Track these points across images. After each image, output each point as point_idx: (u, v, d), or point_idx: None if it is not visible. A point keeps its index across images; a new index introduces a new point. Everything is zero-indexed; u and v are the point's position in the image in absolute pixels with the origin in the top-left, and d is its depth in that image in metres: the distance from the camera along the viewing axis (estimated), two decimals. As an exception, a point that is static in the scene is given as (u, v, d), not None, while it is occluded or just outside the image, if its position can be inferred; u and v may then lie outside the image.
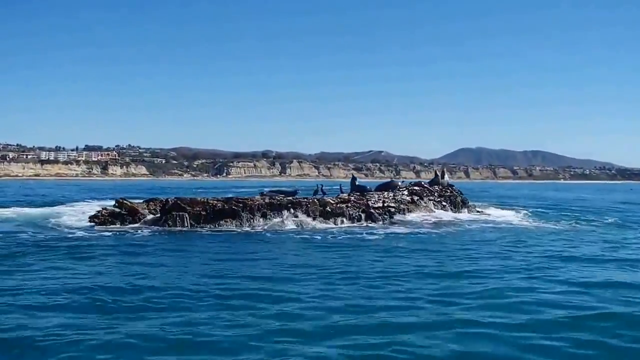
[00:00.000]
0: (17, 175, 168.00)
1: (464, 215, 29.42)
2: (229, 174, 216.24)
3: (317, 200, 25.39)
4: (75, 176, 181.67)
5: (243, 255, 15.47)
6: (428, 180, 34.91)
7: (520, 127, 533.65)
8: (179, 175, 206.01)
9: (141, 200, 23.79)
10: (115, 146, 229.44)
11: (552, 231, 22.84)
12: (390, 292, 10.77)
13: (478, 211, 31.63)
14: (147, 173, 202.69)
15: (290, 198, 25.11)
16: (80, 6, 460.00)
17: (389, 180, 36.70)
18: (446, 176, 33.49)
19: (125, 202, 22.62)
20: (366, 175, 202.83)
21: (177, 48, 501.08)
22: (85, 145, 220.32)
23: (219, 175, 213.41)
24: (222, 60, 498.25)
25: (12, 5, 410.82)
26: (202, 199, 23.30)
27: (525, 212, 32.96)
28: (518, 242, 18.79)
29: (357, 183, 30.23)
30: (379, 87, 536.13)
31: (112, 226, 21.37)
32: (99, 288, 10.76)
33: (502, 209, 35.12)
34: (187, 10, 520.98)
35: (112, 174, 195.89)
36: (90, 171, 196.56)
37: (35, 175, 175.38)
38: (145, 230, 20.78)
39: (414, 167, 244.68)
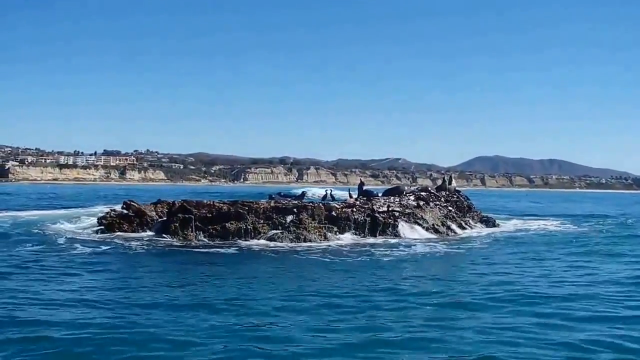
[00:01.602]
0: (35, 179, 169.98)
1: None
2: (246, 180, 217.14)
3: (323, 204, 25.70)
4: (93, 181, 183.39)
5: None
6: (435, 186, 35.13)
7: (537, 136, 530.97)
8: (197, 180, 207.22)
9: (149, 203, 24.26)
10: (134, 151, 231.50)
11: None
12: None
13: (484, 216, 31.90)
14: (165, 178, 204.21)
15: (297, 202, 25.42)
16: (99, 13, 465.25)
17: (396, 185, 36.98)
18: (453, 182, 33.65)
19: (132, 203, 23.10)
20: (383, 182, 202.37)
21: (197, 57, 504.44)
22: (104, 150, 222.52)
23: (236, 181, 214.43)
24: (240, 68, 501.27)
25: (35, 11, 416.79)
26: (208, 202, 23.74)
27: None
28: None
29: (364, 188, 30.59)
30: (397, 96, 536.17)
31: (116, 233, 21.70)
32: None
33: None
34: (205, 19, 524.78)
35: (130, 178, 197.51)
36: (108, 176, 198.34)
37: (54, 179, 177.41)
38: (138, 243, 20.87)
39: (431, 174, 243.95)
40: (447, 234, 26.77)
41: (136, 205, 22.95)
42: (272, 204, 24.54)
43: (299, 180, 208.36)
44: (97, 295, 11.34)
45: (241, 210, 23.28)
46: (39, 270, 14.09)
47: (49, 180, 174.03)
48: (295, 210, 24.39)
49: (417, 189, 32.57)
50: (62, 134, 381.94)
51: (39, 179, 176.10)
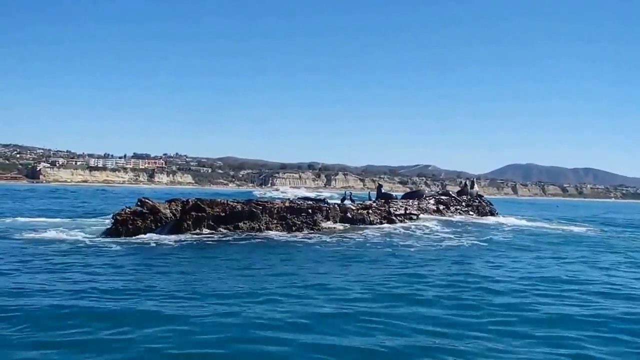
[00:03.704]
0: (65, 181, 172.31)
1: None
2: (274, 185, 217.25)
3: (338, 206, 25.38)
4: (122, 183, 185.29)
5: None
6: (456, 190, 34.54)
7: (572, 144, 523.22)
8: (224, 184, 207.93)
9: (164, 201, 24.11)
10: (163, 154, 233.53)
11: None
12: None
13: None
14: (193, 182, 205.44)
15: (311, 203, 25.13)
16: (132, 15, 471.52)
17: (416, 189, 36.49)
18: (475, 187, 33.09)
19: (147, 201, 22.99)
20: (411, 189, 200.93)
21: (227, 63, 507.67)
22: (134, 153, 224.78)
23: (263, 186, 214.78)
24: (270, 74, 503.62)
25: (67, 9, 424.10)
26: (222, 200, 23.56)
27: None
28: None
29: (382, 191, 30.21)
30: (428, 102, 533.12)
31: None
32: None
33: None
34: (233, 24, 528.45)
35: (158, 181, 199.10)
36: (137, 178, 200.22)
37: (84, 181, 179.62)
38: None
39: (460, 181, 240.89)
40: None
41: (150, 203, 22.82)
42: (287, 204, 24.28)
43: (326, 186, 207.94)
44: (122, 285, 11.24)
45: (255, 210, 23.07)
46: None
47: (78, 182, 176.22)
48: (309, 210, 24.13)
49: (437, 192, 32.02)
50: (93, 137, 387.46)
51: (69, 180, 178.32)
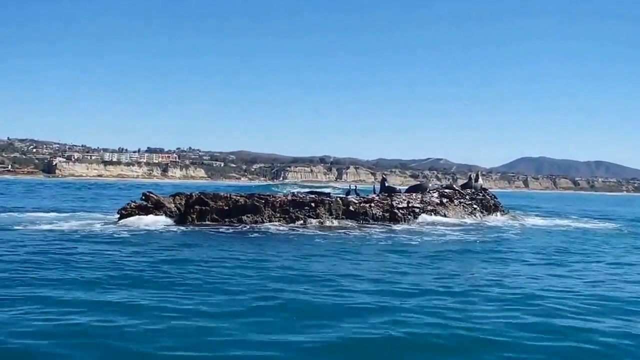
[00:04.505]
0: (81, 175, 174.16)
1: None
2: (286, 178, 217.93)
3: (341, 199, 25.66)
4: (136, 177, 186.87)
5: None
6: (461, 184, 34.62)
7: (584, 137, 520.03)
8: (237, 178, 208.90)
9: (168, 195, 24.55)
10: (176, 149, 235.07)
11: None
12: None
13: (511, 216, 31.35)
14: (206, 176, 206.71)
15: (314, 196, 25.42)
16: (144, 10, 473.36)
17: (419, 182, 36.69)
18: (480, 180, 33.12)
19: (151, 195, 23.43)
20: (422, 182, 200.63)
21: (241, 59, 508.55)
22: (147, 148, 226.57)
23: (275, 180, 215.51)
24: (282, 71, 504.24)
25: (81, 5, 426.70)
26: (225, 194, 23.95)
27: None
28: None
29: (386, 184, 30.40)
30: (439, 94, 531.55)
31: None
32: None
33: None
34: (245, 22, 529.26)
35: (171, 175, 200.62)
36: (150, 173, 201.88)
37: (98, 175, 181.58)
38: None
39: (471, 175, 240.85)
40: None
41: (155, 197, 23.26)
42: (289, 198, 24.62)
43: (338, 180, 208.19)
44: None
45: (257, 204, 23.43)
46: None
47: (93, 176, 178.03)
48: (312, 204, 24.44)
49: (441, 186, 32.17)
50: (108, 132, 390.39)
51: (84, 174, 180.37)
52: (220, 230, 20.84)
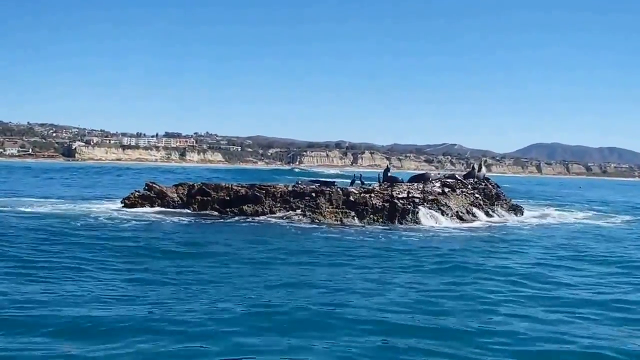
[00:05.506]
0: (100, 159, 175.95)
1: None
2: (302, 163, 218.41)
3: (341, 189, 26.07)
4: (155, 161, 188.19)
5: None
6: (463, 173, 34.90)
7: (598, 123, 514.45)
8: (253, 162, 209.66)
9: (171, 185, 25.21)
10: (194, 133, 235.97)
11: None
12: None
13: (513, 204, 31.56)
14: (223, 160, 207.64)
15: (314, 187, 25.86)
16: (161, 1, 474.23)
17: (422, 172, 37.01)
18: (483, 169, 33.32)
19: (154, 185, 24.06)
20: (437, 168, 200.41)
21: (258, 45, 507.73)
22: (165, 132, 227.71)
23: (291, 164, 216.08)
24: (298, 57, 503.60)
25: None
26: (227, 185, 24.52)
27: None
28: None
29: (389, 174, 30.80)
30: (454, 81, 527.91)
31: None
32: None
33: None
34: (256, 10, 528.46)
35: (189, 160, 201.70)
36: (169, 157, 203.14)
37: (117, 159, 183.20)
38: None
39: (485, 160, 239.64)
40: (472, 221, 26.70)
41: (158, 187, 23.90)
42: (290, 188, 25.10)
43: (353, 164, 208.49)
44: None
45: (258, 194, 23.95)
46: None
47: (112, 160, 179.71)
48: (312, 194, 24.89)
49: (444, 176, 32.47)
50: (126, 116, 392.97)
51: (103, 159, 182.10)
52: (218, 222, 21.40)
